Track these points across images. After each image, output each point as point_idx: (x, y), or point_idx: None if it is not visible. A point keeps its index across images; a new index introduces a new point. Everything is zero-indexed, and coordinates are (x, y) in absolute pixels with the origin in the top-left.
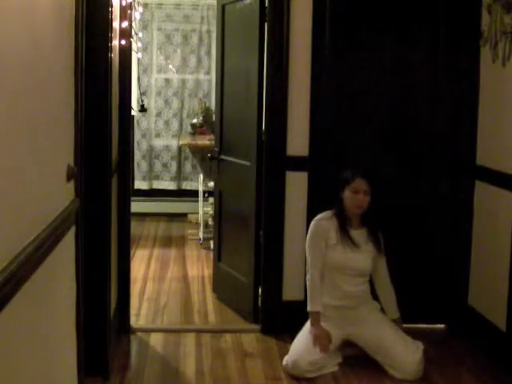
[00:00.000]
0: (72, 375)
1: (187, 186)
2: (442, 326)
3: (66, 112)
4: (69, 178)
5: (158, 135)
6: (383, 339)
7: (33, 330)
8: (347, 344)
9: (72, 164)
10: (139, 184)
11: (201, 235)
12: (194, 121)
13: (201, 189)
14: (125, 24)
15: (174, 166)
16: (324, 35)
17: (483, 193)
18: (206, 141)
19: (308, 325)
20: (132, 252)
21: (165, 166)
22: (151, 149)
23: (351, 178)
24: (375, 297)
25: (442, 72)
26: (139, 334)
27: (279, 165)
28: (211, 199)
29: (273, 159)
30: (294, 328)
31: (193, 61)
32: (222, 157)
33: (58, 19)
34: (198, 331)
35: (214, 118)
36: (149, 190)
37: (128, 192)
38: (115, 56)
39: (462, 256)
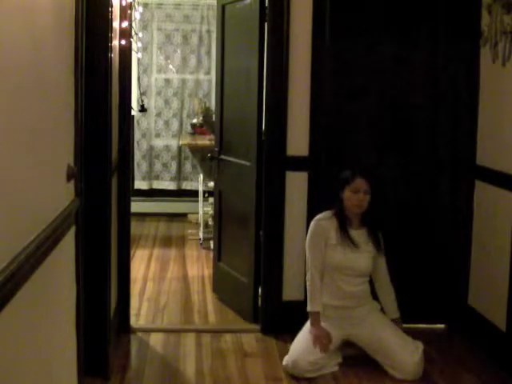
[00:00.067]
0: (72, 375)
1: (187, 185)
2: (442, 326)
3: (66, 112)
4: (69, 178)
5: (157, 135)
6: (383, 339)
7: (33, 330)
8: (347, 344)
9: (72, 164)
10: (139, 184)
11: (201, 235)
12: (194, 121)
13: (201, 189)
14: (125, 24)
15: (173, 166)
16: (324, 35)
17: (483, 193)
18: (206, 141)
19: (308, 325)
20: (132, 252)
21: (165, 165)
22: (151, 149)
23: (351, 177)
24: (375, 297)
25: (442, 72)
26: (139, 334)
27: (279, 165)
28: (211, 199)
29: (273, 159)
30: (294, 328)
31: (193, 61)
32: (222, 157)
33: (57, 19)
34: (198, 331)
35: (214, 118)
36: (149, 190)
37: (128, 192)
38: (115, 56)
39: (462, 256)
